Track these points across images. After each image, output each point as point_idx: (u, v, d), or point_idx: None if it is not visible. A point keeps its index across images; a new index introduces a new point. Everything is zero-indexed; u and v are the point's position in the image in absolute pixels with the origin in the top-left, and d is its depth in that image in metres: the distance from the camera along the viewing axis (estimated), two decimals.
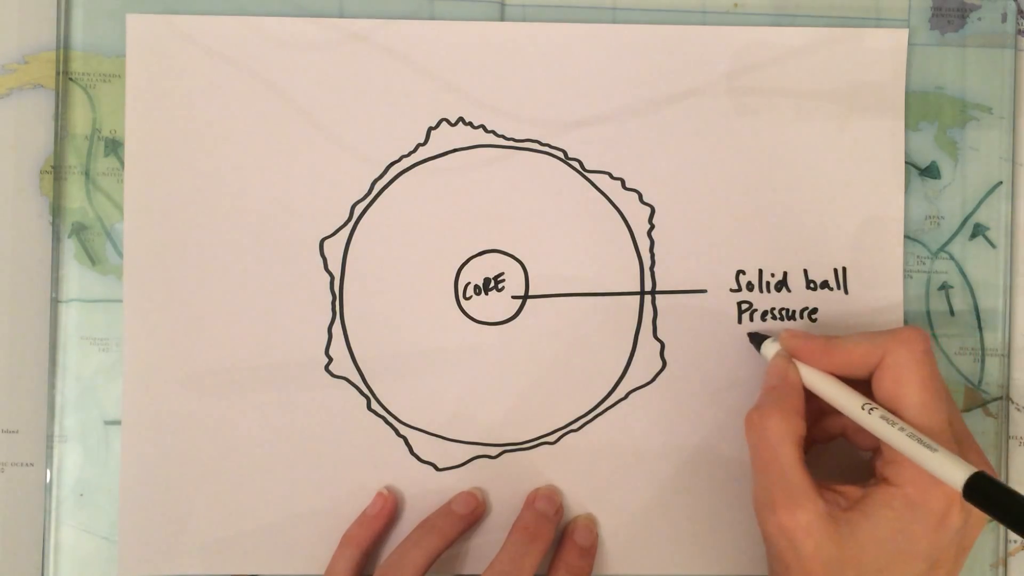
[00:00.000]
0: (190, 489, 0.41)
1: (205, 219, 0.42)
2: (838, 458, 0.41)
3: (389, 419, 0.42)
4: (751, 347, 0.42)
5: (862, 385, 0.37)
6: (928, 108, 0.43)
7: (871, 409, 0.35)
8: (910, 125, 0.43)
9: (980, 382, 0.43)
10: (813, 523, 0.35)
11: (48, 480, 0.42)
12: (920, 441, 0.33)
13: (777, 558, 0.36)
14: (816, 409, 0.39)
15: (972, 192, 0.43)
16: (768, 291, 0.42)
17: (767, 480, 0.36)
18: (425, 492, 0.42)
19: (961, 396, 0.43)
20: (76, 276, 0.42)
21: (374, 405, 0.42)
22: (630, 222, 0.42)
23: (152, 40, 0.42)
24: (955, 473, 0.32)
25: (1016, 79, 0.43)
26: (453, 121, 0.42)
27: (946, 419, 0.35)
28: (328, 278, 0.42)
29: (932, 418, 0.35)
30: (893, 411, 0.35)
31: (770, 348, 0.39)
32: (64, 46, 0.42)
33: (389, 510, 0.41)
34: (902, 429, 0.34)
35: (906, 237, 0.43)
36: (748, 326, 0.42)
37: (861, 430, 0.37)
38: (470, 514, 0.41)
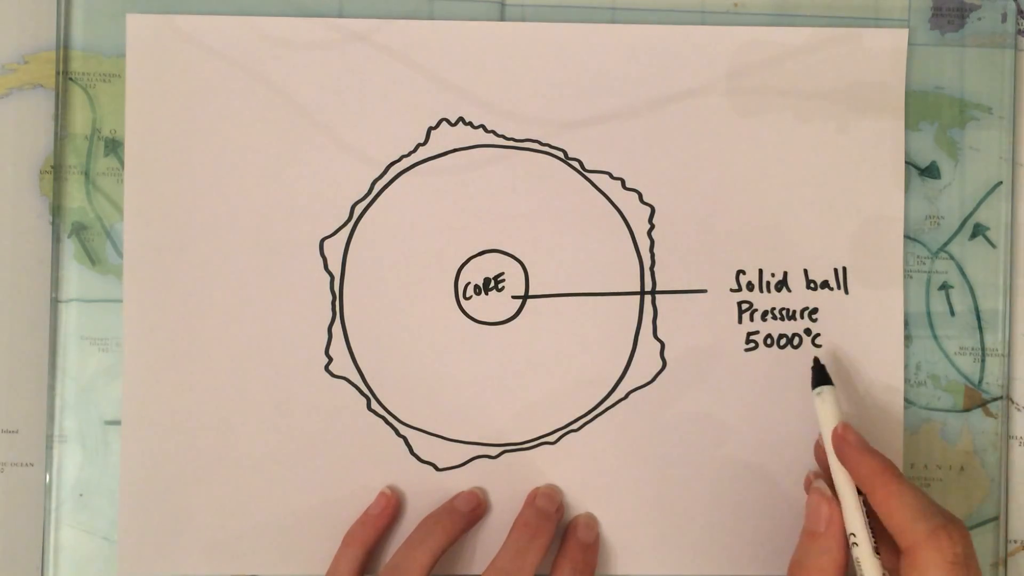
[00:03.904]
0: (190, 489, 0.41)
1: (205, 219, 0.42)
2: None
3: (389, 419, 0.42)
4: (749, 347, 0.42)
5: None
6: (928, 108, 0.43)
7: None
8: (910, 125, 0.43)
9: (980, 382, 0.43)
10: None
11: (48, 480, 0.42)
12: None
13: None
14: None
15: (972, 192, 0.43)
16: (768, 291, 0.42)
17: None
18: (425, 492, 0.42)
19: (961, 396, 0.43)
20: (76, 276, 0.42)
21: (374, 405, 0.42)
22: (630, 222, 0.42)
23: (152, 40, 0.42)
24: None
25: (1016, 79, 0.43)
26: (453, 121, 0.42)
27: None
28: (328, 278, 0.42)
29: None
30: None
31: (824, 402, 0.38)
32: (64, 46, 0.42)
33: (392, 510, 0.41)
34: None
35: (906, 237, 0.43)
36: (748, 326, 0.42)
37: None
38: (472, 512, 0.41)
